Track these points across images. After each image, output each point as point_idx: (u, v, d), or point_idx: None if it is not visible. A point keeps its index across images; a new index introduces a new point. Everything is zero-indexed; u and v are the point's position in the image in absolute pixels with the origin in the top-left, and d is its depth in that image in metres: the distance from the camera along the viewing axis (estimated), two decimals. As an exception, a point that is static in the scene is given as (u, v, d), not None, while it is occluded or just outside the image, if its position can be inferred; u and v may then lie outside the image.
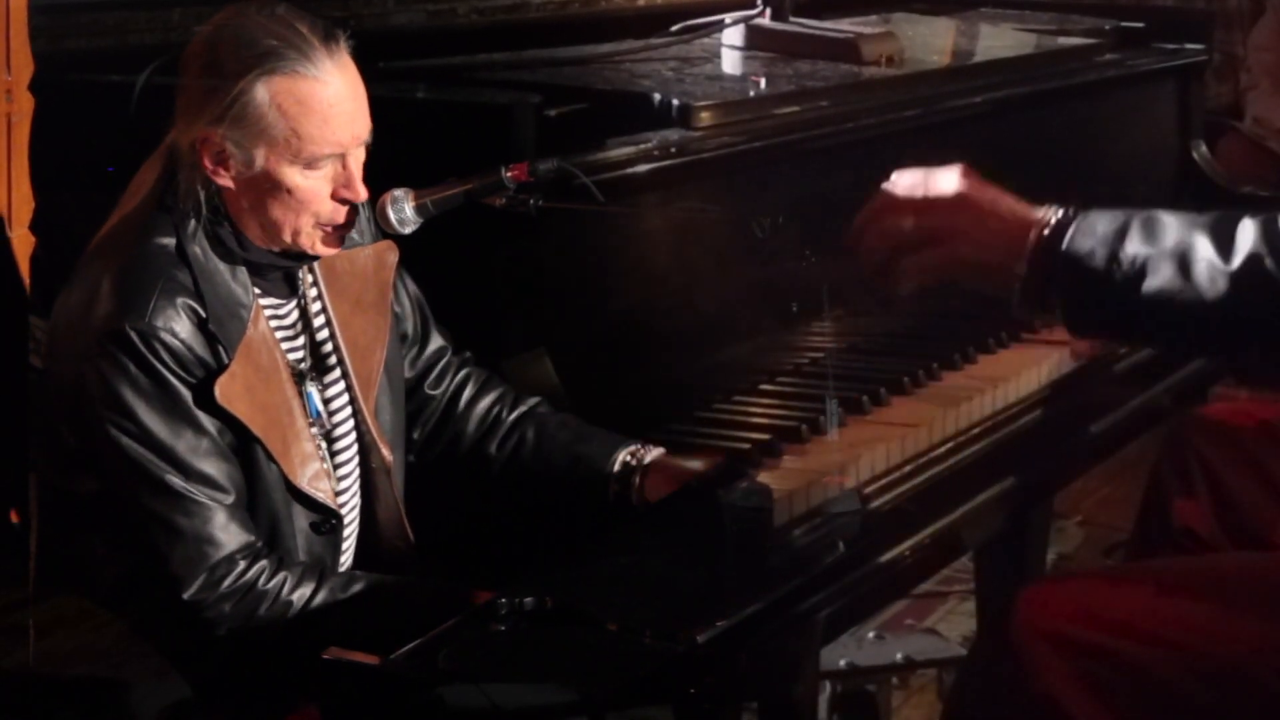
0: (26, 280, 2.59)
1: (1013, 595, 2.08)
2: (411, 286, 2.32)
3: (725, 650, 1.79)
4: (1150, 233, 1.93)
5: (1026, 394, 2.54)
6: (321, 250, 2.13)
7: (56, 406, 2.11)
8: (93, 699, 2.41)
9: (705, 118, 2.49)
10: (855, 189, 2.69)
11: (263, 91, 2.03)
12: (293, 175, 2.06)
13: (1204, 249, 1.90)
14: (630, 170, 2.35)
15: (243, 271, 2.10)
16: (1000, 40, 3.49)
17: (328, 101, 2.05)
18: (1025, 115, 3.12)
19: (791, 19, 3.07)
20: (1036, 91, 3.15)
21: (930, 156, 2.84)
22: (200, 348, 2.04)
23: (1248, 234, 1.89)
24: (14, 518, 2.55)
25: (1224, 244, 1.90)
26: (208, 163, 2.06)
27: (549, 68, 2.76)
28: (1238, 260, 1.88)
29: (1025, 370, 2.55)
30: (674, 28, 3.03)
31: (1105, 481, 4.42)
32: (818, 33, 3.03)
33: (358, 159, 2.10)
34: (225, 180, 2.07)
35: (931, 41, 3.36)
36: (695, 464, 2.21)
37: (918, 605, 3.86)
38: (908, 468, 2.28)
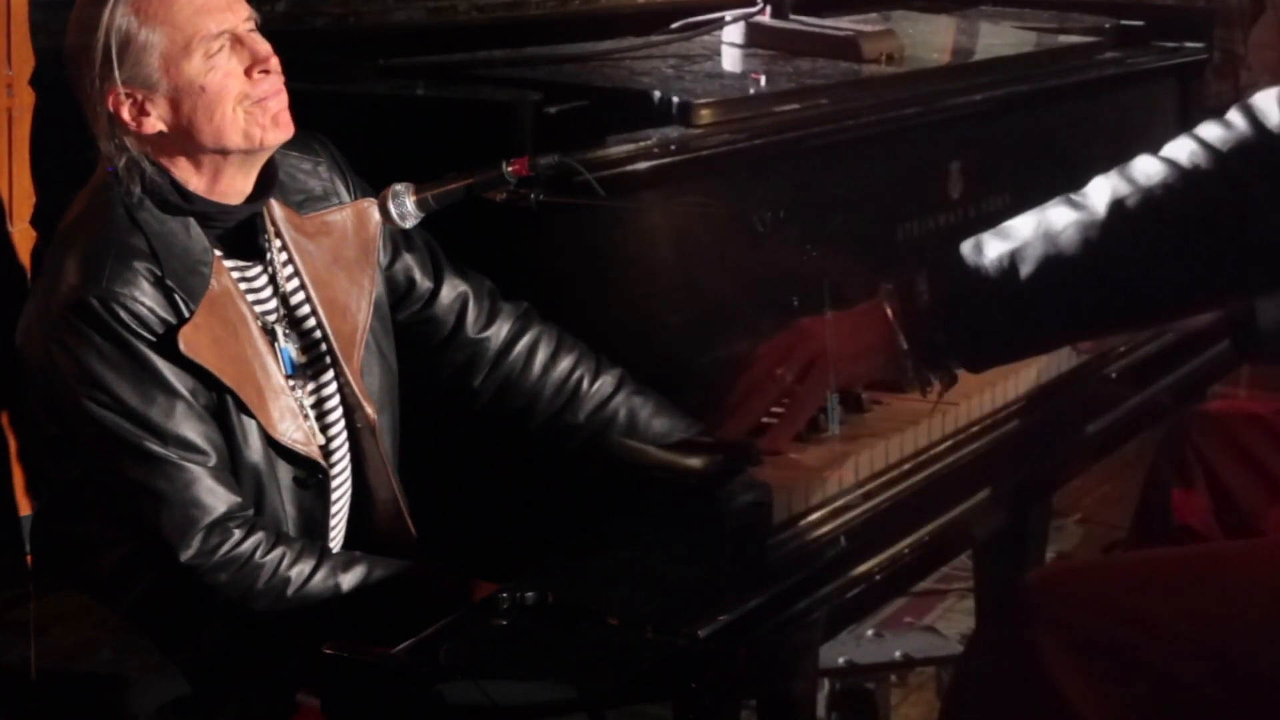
0: (28, 275, 2.60)
1: (1012, 583, 2.09)
2: (417, 236, 2.31)
3: (726, 645, 1.79)
4: (1002, 234, 1.93)
5: (1025, 391, 2.54)
6: (275, 135, 2.13)
7: (33, 395, 2.13)
8: (90, 695, 2.41)
9: (705, 115, 2.49)
10: (855, 187, 2.71)
11: (122, 17, 2.06)
12: (197, 73, 2.08)
13: (1063, 217, 1.89)
14: (630, 167, 2.35)
15: (196, 229, 2.11)
16: (1000, 38, 3.49)
17: None
18: (1025, 113, 3.12)
19: (791, 16, 3.07)
20: (1036, 90, 3.15)
21: (930, 154, 2.85)
22: (161, 308, 2.05)
23: (1101, 186, 1.88)
24: (25, 510, 2.55)
25: (1080, 205, 1.88)
26: (129, 120, 2.08)
27: (549, 65, 2.76)
28: (1102, 208, 1.86)
29: (1024, 368, 2.55)
30: (674, 25, 3.03)
31: (1105, 479, 4.42)
32: (818, 30, 3.03)
33: (254, 36, 2.12)
34: (154, 125, 2.09)
35: (931, 39, 3.36)
36: None
37: (917, 603, 3.87)
38: (907, 465, 2.28)
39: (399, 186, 2.17)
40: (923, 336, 2.00)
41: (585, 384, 2.31)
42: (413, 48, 2.78)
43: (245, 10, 2.13)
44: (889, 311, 2.01)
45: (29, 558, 2.48)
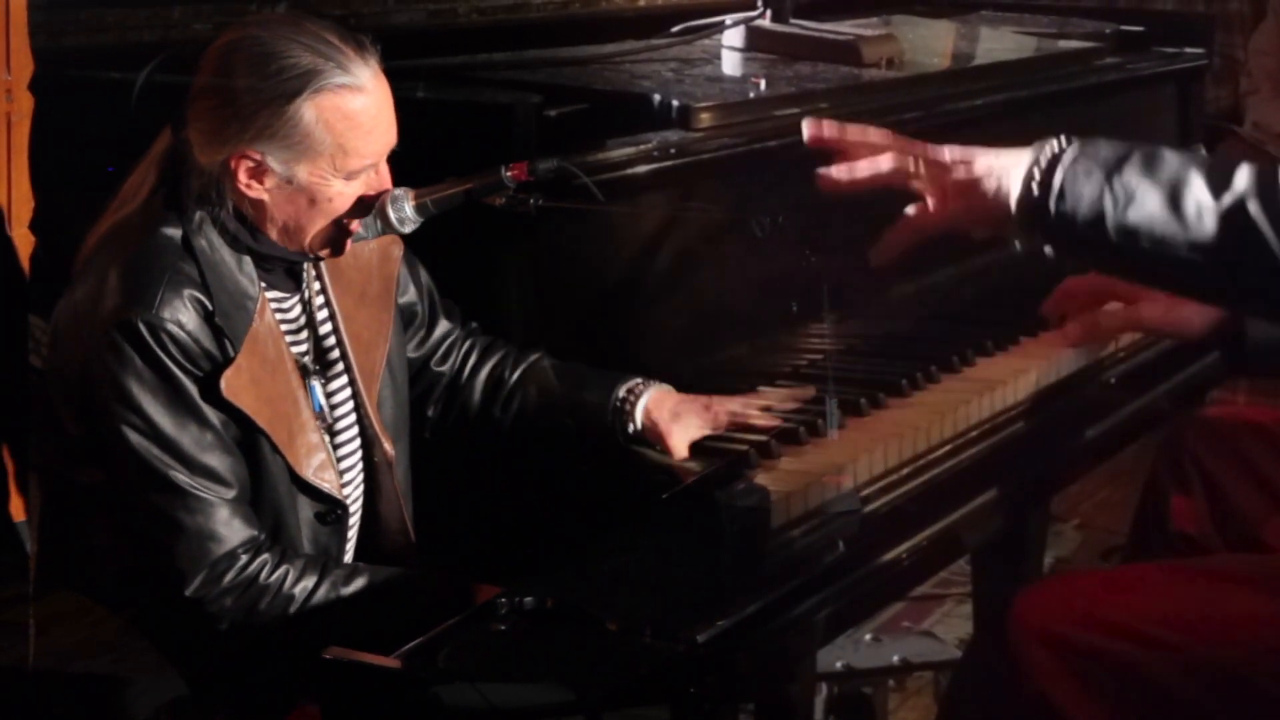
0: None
1: (1010, 596, 2.09)
2: (422, 274, 2.34)
3: (725, 649, 1.79)
4: (1149, 164, 1.92)
5: (1023, 397, 2.54)
6: (329, 256, 2.16)
7: (60, 397, 2.12)
8: (90, 695, 2.40)
9: (705, 119, 2.50)
10: (854, 191, 2.71)
11: (310, 111, 2.04)
12: (334, 187, 2.09)
13: (1197, 186, 1.89)
14: (630, 171, 2.35)
15: (248, 264, 2.11)
16: (1001, 43, 3.49)
17: (371, 113, 2.08)
18: (1025, 118, 3.12)
19: (792, 21, 3.07)
20: (1037, 95, 3.15)
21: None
22: (206, 340, 2.04)
23: (1242, 177, 1.88)
24: (19, 516, 2.55)
25: (1217, 183, 1.89)
26: (242, 178, 2.07)
27: (549, 68, 2.76)
28: (1228, 200, 1.87)
29: (1022, 374, 2.55)
30: (674, 29, 3.03)
31: (1103, 485, 4.43)
32: (818, 35, 3.03)
33: (383, 167, 2.14)
34: (258, 193, 2.08)
35: (932, 44, 3.36)
36: (698, 398, 2.24)
37: (914, 608, 3.87)
38: (905, 470, 2.28)
39: (398, 191, 2.17)
40: (1041, 197, 1.97)
41: (505, 375, 2.34)
42: (413, 50, 2.78)
43: (395, 132, 2.13)
44: (1035, 153, 1.98)
45: (30, 554, 2.48)
